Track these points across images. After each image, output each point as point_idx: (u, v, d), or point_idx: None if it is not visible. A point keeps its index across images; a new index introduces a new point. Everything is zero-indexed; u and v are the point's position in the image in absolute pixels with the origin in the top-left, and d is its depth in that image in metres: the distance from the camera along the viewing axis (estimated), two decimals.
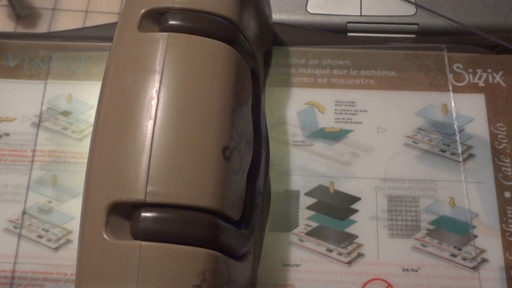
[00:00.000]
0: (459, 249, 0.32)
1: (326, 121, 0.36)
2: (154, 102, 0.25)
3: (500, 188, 0.33)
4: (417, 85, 0.37)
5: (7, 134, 0.36)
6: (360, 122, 0.36)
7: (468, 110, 0.36)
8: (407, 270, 0.32)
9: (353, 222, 0.33)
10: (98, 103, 0.27)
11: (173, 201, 0.24)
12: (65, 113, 0.37)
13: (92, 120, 0.36)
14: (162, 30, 0.27)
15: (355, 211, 0.33)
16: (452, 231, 0.32)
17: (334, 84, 0.37)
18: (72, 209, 0.34)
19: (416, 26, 0.40)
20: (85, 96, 0.37)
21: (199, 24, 0.27)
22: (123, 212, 0.24)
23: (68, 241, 0.33)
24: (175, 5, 0.27)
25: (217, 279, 0.24)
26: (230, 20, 0.28)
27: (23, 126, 0.36)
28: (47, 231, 0.33)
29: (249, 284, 0.30)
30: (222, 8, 0.28)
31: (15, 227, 0.33)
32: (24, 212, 0.34)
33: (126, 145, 0.25)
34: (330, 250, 0.32)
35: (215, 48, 0.27)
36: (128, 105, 0.25)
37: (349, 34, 0.41)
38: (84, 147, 0.35)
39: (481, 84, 0.37)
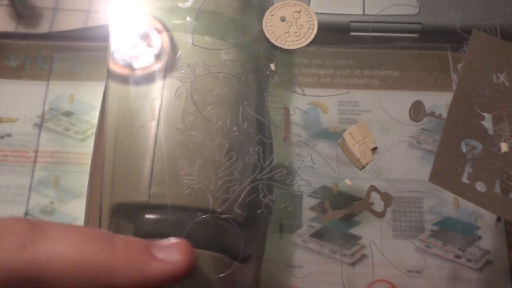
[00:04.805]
0: (464, 251, 0.32)
1: (330, 121, 0.36)
2: (157, 103, 0.25)
3: (504, 189, 0.33)
4: (420, 85, 0.36)
5: (9, 135, 0.36)
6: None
7: None
8: (411, 271, 0.31)
9: (357, 223, 0.33)
10: (102, 103, 0.27)
11: (176, 203, 0.24)
12: (67, 114, 0.36)
13: (94, 120, 0.36)
14: None
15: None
16: (456, 232, 0.32)
17: (337, 84, 0.37)
18: (74, 210, 0.34)
19: (420, 25, 0.40)
20: (87, 96, 0.37)
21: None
22: (127, 213, 0.24)
23: None
24: None
25: (221, 281, 0.24)
26: (233, 19, 0.28)
27: (25, 126, 0.36)
28: None
29: (253, 286, 0.30)
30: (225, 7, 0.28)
31: None
32: (26, 213, 0.34)
33: (129, 146, 0.25)
34: (333, 252, 0.32)
35: None
36: (131, 106, 0.25)
37: (352, 33, 0.41)
38: (86, 147, 0.35)
39: None
